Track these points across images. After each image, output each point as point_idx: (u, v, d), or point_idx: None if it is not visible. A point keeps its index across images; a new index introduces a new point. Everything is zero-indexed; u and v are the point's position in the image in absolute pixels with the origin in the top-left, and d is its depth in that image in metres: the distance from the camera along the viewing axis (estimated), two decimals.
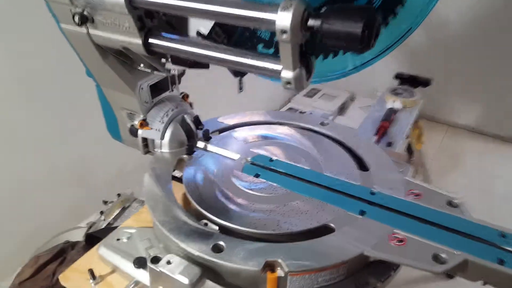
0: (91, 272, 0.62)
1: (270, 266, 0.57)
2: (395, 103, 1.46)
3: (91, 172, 1.52)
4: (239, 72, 0.86)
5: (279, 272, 0.57)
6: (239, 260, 0.57)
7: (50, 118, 1.31)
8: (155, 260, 0.58)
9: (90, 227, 1.14)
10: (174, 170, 0.79)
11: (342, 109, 2.69)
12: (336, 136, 0.89)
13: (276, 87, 2.71)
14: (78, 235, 1.10)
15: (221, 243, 0.59)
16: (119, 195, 1.26)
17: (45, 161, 1.33)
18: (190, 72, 0.81)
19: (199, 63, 0.71)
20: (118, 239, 0.69)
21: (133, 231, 0.70)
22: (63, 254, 0.98)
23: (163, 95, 0.82)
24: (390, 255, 0.58)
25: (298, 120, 0.95)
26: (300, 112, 1.00)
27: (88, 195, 1.43)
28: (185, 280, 0.54)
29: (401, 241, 0.61)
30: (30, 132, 1.27)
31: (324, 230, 0.64)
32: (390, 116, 1.38)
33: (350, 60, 0.84)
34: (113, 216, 1.17)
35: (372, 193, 0.71)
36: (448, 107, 2.54)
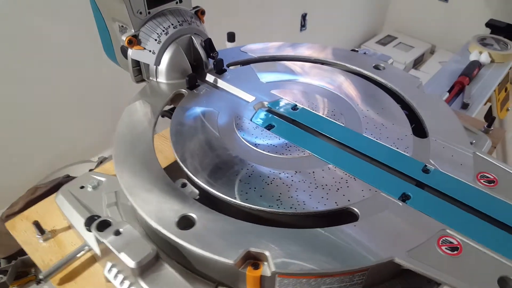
0: (36, 224, 0.50)
1: (253, 259, 0.40)
2: (482, 55, 1.15)
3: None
4: None
5: (264, 270, 0.39)
6: (209, 244, 0.40)
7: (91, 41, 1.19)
8: (102, 225, 0.43)
9: (101, 162, 1.03)
10: (166, 106, 0.62)
11: (418, 62, 2.33)
12: (391, 85, 0.65)
13: (345, 30, 2.42)
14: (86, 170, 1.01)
15: (193, 215, 0.43)
16: None
17: (80, 83, 1.23)
18: None
19: None
20: (82, 187, 0.55)
21: (102, 179, 0.56)
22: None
23: (166, 6, 0.63)
24: (434, 269, 0.38)
25: (346, 60, 0.71)
26: (353, 50, 0.75)
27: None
28: (130, 262, 0.39)
29: (455, 248, 0.40)
30: (70, 53, 1.16)
31: (343, 216, 0.45)
32: (472, 70, 1.08)
33: None
34: None
35: (426, 171, 0.49)
36: None
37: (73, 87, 1.23)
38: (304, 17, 2.15)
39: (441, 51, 2.39)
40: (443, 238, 0.41)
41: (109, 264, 0.44)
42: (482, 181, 0.48)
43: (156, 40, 0.61)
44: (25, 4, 1.03)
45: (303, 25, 2.18)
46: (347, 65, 0.71)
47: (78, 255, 0.49)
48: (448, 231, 0.41)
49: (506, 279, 0.38)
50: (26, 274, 0.77)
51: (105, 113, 1.28)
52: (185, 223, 0.42)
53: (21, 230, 0.52)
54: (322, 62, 0.73)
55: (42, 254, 0.50)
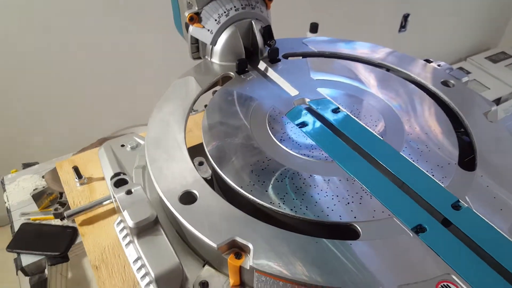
0: (75, 169, 0.56)
1: (238, 248, 0.41)
2: None
3: None
4: None
5: (245, 262, 0.39)
6: (200, 224, 0.41)
7: None
8: (119, 182, 0.47)
9: None
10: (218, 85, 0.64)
11: None
12: (453, 106, 0.59)
13: (450, 38, 2.20)
14: None
15: (196, 192, 0.44)
16: None
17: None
18: None
19: None
20: (122, 145, 0.60)
21: (142, 142, 0.60)
22: None
23: None
24: None
25: (413, 69, 0.66)
26: (426, 60, 0.69)
27: None
28: (129, 221, 0.42)
29: None
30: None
31: (344, 231, 0.42)
32: None
33: None
34: None
35: (456, 207, 0.44)
36: None
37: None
38: (406, 17, 2.00)
39: None
40: (444, 283, 0.37)
41: (119, 219, 0.48)
42: None
43: (216, 20, 0.63)
44: None
45: (403, 26, 2.03)
46: (412, 75, 0.65)
47: (103, 204, 0.54)
48: (453, 276, 0.37)
49: None
50: None
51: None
52: (187, 198, 0.44)
53: (65, 171, 0.59)
54: (386, 68, 0.68)
55: (75, 195, 0.56)
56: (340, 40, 0.73)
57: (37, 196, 0.92)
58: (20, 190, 0.93)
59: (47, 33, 1.21)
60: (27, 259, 0.80)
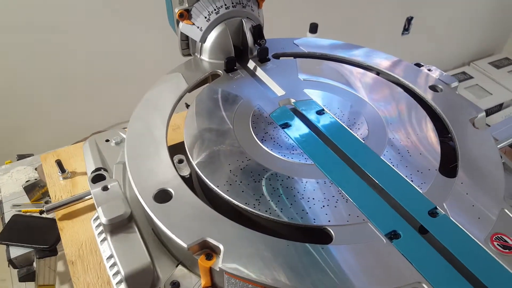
0: (58, 163, 0.56)
1: (209, 249, 0.40)
2: None
3: None
4: None
5: (216, 263, 0.39)
6: (172, 223, 0.41)
7: None
8: (97, 178, 0.47)
9: None
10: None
11: None
12: (439, 111, 0.58)
13: (454, 42, 2.17)
14: None
15: (171, 190, 0.44)
16: None
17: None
18: None
19: None
20: (107, 140, 0.60)
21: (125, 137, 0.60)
22: None
23: None
24: None
25: (402, 73, 0.65)
26: (417, 65, 0.68)
27: None
28: (102, 218, 0.42)
29: None
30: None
31: (318, 234, 0.42)
32: None
33: None
34: None
35: (433, 214, 0.43)
36: None
37: None
38: (409, 20, 1.99)
39: None
40: None
41: (96, 214, 0.48)
42: (496, 243, 0.41)
43: (205, 18, 0.62)
44: None
45: (406, 29, 2.02)
46: (401, 79, 0.65)
47: (84, 199, 0.54)
48: (424, 285, 0.37)
49: None
50: None
51: None
52: (162, 197, 0.44)
53: (49, 164, 0.59)
54: (376, 71, 0.67)
55: (57, 189, 0.56)
56: (331, 42, 0.72)
57: (29, 188, 0.93)
58: (13, 181, 0.93)
59: (47, 28, 1.21)
60: (16, 251, 0.80)
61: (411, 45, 2.06)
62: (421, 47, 2.12)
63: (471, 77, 2.15)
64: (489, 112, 1.96)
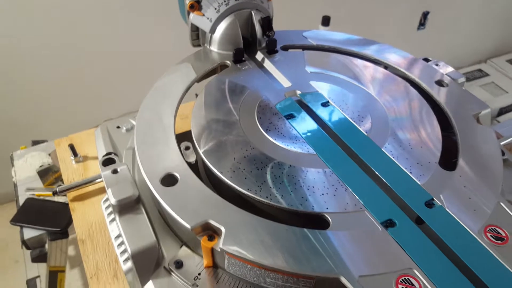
0: (71, 147, 0.58)
1: (212, 231, 0.42)
2: None
3: None
4: None
5: (217, 244, 0.41)
6: (177, 205, 0.43)
7: None
8: (107, 162, 0.49)
9: None
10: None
11: None
12: (444, 106, 0.59)
13: (471, 38, 2.14)
14: None
15: (177, 174, 0.46)
16: None
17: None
18: None
19: None
20: (118, 127, 0.62)
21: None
22: None
23: None
24: None
25: (409, 68, 0.66)
26: (425, 60, 0.69)
27: None
28: (112, 199, 0.45)
29: None
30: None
31: (316, 221, 0.44)
32: None
33: None
34: None
35: (429, 205, 0.44)
36: None
37: None
38: (425, 15, 1.97)
39: None
40: (405, 277, 0.38)
41: (105, 196, 0.50)
42: (489, 235, 0.42)
43: (215, 9, 0.64)
44: None
45: (422, 24, 2.00)
46: (408, 73, 0.65)
47: (95, 182, 0.57)
48: (415, 271, 0.38)
49: None
50: None
51: None
52: (168, 180, 0.46)
53: (63, 148, 0.62)
54: (383, 65, 0.68)
55: (69, 172, 0.59)
56: (340, 35, 0.73)
57: (43, 173, 0.97)
58: (28, 166, 0.97)
59: (64, 20, 1.24)
60: (29, 233, 0.84)
61: (426, 40, 2.04)
62: (437, 43, 2.10)
63: (487, 75, 2.12)
64: (505, 110, 1.93)
